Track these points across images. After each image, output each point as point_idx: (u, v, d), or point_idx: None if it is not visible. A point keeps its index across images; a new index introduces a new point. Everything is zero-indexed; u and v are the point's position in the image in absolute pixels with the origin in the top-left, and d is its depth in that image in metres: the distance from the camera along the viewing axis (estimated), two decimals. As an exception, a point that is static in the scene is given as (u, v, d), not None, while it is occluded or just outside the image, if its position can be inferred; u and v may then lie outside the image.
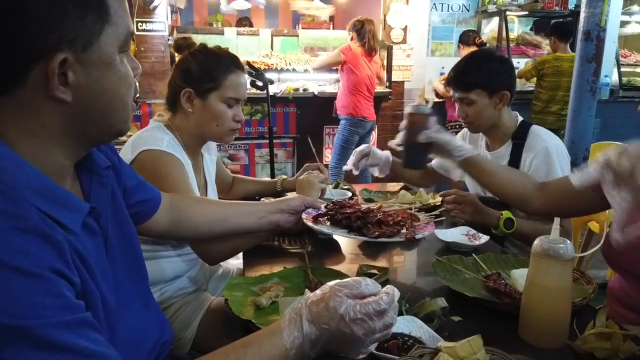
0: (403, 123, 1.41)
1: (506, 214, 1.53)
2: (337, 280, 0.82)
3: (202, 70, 1.43)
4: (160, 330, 0.98)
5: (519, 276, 1.11)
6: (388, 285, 0.81)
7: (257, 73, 2.16)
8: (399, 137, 1.43)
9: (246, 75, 1.51)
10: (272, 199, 1.62)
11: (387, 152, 2.02)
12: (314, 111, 4.64)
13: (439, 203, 1.76)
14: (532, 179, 1.43)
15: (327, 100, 4.62)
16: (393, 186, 2.19)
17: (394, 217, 1.31)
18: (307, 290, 1.01)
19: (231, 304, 0.98)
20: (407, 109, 1.51)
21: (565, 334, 0.91)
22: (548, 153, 1.62)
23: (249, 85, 2.38)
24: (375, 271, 1.23)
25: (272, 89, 4.45)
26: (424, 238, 1.46)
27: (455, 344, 0.76)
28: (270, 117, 2.34)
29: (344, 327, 0.76)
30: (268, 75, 4.62)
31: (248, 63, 2.22)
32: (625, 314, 1.28)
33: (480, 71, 1.70)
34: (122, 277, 0.89)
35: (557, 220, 0.91)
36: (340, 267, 1.30)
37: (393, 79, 4.90)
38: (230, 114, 1.46)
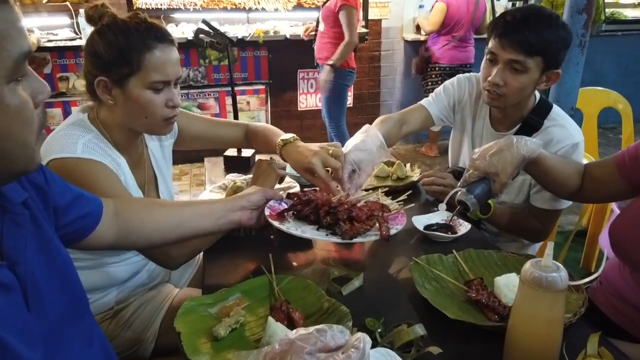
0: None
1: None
2: (299, 332, 0.71)
3: (112, 53, 1.14)
4: None
5: (504, 285, 1.02)
6: (358, 334, 0.71)
7: (215, 33, 1.92)
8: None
9: (175, 49, 1.21)
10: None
11: (375, 136, 1.37)
12: (286, 55, 4.37)
13: (416, 179, 1.64)
14: (578, 166, 1.31)
15: (300, 43, 4.32)
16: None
17: (365, 210, 1.18)
18: (270, 318, 0.90)
19: (185, 340, 0.88)
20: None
21: (554, 366, 0.83)
22: (577, 151, 1.43)
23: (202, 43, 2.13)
24: (347, 274, 1.13)
25: (241, 32, 4.16)
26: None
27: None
28: (232, 73, 2.11)
29: None
30: (235, 15, 4.36)
31: (205, 21, 1.97)
32: (620, 307, 1.22)
33: (551, 34, 1.33)
34: (57, 320, 0.78)
35: (550, 244, 0.80)
36: (311, 270, 1.20)
37: (370, 17, 4.59)
38: (159, 100, 1.19)
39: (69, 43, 3.81)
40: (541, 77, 1.39)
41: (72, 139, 1.15)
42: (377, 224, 1.13)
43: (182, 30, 3.99)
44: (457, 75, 1.69)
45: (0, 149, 0.60)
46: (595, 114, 3.10)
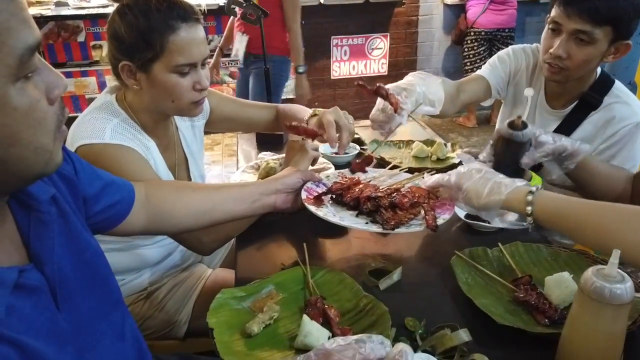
0: (494, 140, 1.19)
1: (535, 179, 1.32)
2: (337, 342, 0.66)
3: (133, 36, 1.08)
4: None
5: (555, 286, 0.94)
6: (400, 346, 0.66)
7: (247, 3, 1.84)
8: (486, 152, 1.20)
9: (201, 26, 1.14)
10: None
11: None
12: (320, 21, 4.23)
13: (457, 160, 1.55)
14: (627, 172, 1.24)
15: (335, 9, 4.20)
16: (406, 130, 1.95)
17: (409, 197, 1.11)
18: (305, 317, 0.86)
19: (217, 337, 0.85)
20: (501, 129, 1.18)
21: (612, 382, 0.76)
22: (637, 130, 1.32)
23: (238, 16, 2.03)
24: (384, 267, 1.08)
25: (273, -3, 4.03)
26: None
27: None
28: (265, 46, 2.04)
29: None
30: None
31: (238, -8, 1.89)
32: None
33: (624, 1, 1.20)
34: (88, 317, 0.76)
35: (616, 253, 0.72)
36: (346, 259, 1.15)
37: (407, -21, 4.39)
38: (186, 83, 1.13)
39: (102, 10, 3.78)
40: (609, 49, 1.27)
41: (100, 123, 1.11)
42: (423, 213, 1.05)
43: (214, -5, 3.90)
44: (511, 46, 1.58)
45: (11, 155, 0.55)
46: (653, 86, 2.90)
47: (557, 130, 1.41)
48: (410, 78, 1.34)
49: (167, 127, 1.30)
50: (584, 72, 1.31)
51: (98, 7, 3.82)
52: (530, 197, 0.91)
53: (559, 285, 0.94)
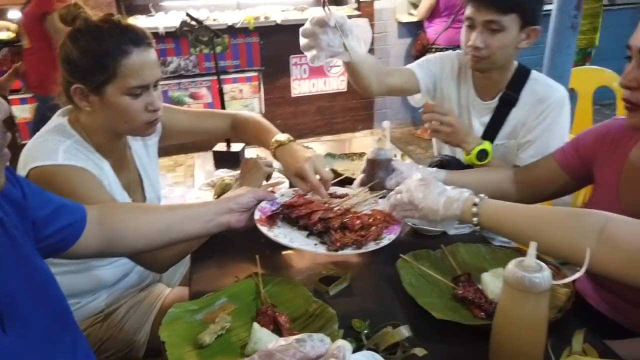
0: (363, 167, 1.37)
1: (486, 144, 1.43)
2: (279, 343, 0.70)
3: (86, 60, 1.10)
4: None
5: (490, 281, 1.01)
6: (338, 342, 0.70)
7: (199, 26, 1.89)
8: (361, 178, 1.37)
9: (153, 50, 1.18)
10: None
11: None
12: (278, 40, 4.31)
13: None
14: (508, 173, 1.39)
15: (292, 28, 4.26)
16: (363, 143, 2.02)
17: (364, 220, 1.16)
18: (255, 324, 0.90)
19: (169, 350, 0.87)
20: (368, 154, 1.36)
21: (539, 365, 0.83)
22: (565, 105, 1.44)
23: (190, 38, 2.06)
24: (335, 273, 1.13)
25: (232, 19, 4.09)
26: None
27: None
28: (218, 64, 2.07)
29: None
30: (225, 1, 4.29)
31: (188, 15, 1.93)
32: (604, 295, 1.22)
33: None
34: (37, 338, 0.77)
35: (533, 244, 0.79)
36: (299, 269, 1.20)
37: (361, -1, 4.53)
38: (138, 105, 1.16)
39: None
40: (520, 35, 1.41)
41: (53, 145, 1.13)
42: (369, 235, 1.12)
43: (171, 18, 3.93)
44: (438, 52, 1.71)
45: None
46: (590, 92, 3.07)
47: (489, 124, 1.53)
48: None
49: (120, 147, 1.32)
50: (503, 58, 1.44)
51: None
52: (475, 209, 1.01)
53: (494, 280, 1.01)
